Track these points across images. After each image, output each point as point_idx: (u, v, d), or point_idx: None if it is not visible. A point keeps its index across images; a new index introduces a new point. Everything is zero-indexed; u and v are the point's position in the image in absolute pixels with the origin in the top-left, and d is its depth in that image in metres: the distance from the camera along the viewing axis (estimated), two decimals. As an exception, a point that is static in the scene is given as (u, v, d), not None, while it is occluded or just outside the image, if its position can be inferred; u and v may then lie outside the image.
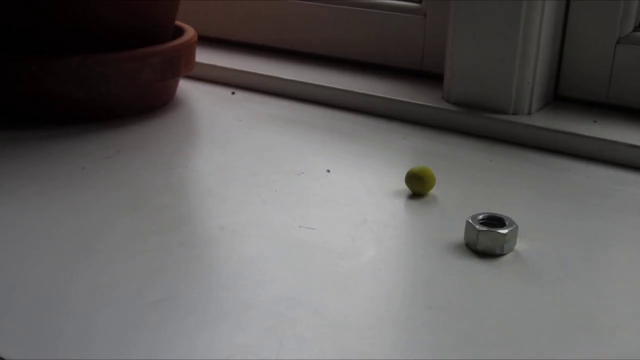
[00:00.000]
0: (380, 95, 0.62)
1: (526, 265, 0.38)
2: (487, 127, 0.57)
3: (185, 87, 0.69)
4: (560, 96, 0.61)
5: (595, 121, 0.56)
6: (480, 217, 0.41)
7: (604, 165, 0.52)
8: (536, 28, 0.55)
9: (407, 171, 0.47)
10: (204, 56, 0.73)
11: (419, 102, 0.60)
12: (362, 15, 0.70)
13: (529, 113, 0.57)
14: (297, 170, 0.50)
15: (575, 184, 0.49)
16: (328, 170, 0.50)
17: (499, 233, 0.39)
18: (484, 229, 0.39)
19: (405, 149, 0.54)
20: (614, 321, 0.34)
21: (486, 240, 0.39)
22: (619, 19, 0.57)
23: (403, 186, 0.48)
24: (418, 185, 0.46)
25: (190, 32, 0.64)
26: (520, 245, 0.40)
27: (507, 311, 0.34)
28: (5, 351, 0.31)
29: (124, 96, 0.59)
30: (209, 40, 0.80)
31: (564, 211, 0.45)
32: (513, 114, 0.57)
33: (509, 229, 0.39)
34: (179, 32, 0.65)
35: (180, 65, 0.61)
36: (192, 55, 0.64)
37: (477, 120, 0.57)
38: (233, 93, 0.68)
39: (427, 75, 0.68)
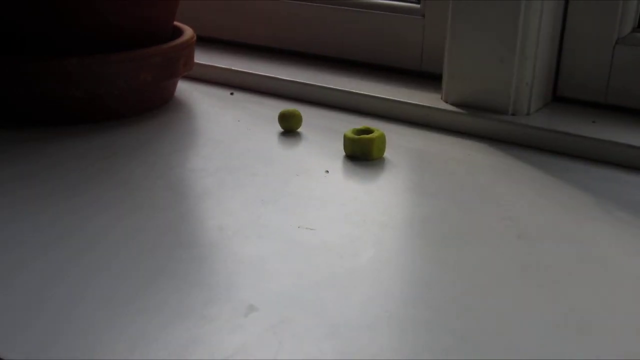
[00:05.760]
0: (379, 95, 0.62)
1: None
2: (485, 128, 0.57)
3: (184, 88, 0.69)
4: (559, 97, 0.61)
5: (594, 121, 0.56)
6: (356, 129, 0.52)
7: (602, 166, 0.52)
8: (535, 29, 0.55)
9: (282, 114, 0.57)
10: (203, 56, 0.73)
11: (417, 103, 0.60)
12: (361, 16, 0.70)
13: (528, 113, 0.57)
14: (296, 170, 0.50)
15: (574, 184, 0.49)
16: (327, 171, 0.50)
17: (367, 139, 0.50)
18: (356, 137, 0.51)
19: (404, 150, 0.54)
20: (613, 321, 0.34)
21: (356, 147, 0.50)
22: (617, 19, 0.57)
23: (403, 186, 0.48)
24: (289, 123, 0.57)
25: (189, 33, 0.65)
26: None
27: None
28: (5, 351, 0.31)
29: (123, 96, 0.59)
30: (208, 41, 0.80)
31: (563, 211, 0.45)
32: (512, 114, 0.57)
33: (375, 136, 0.50)
34: (178, 32, 0.65)
35: (179, 65, 0.61)
36: (191, 55, 0.64)
37: (475, 120, 0.57)
38: (232, 93, 0.68)
39: (426, 76, 0.68)
